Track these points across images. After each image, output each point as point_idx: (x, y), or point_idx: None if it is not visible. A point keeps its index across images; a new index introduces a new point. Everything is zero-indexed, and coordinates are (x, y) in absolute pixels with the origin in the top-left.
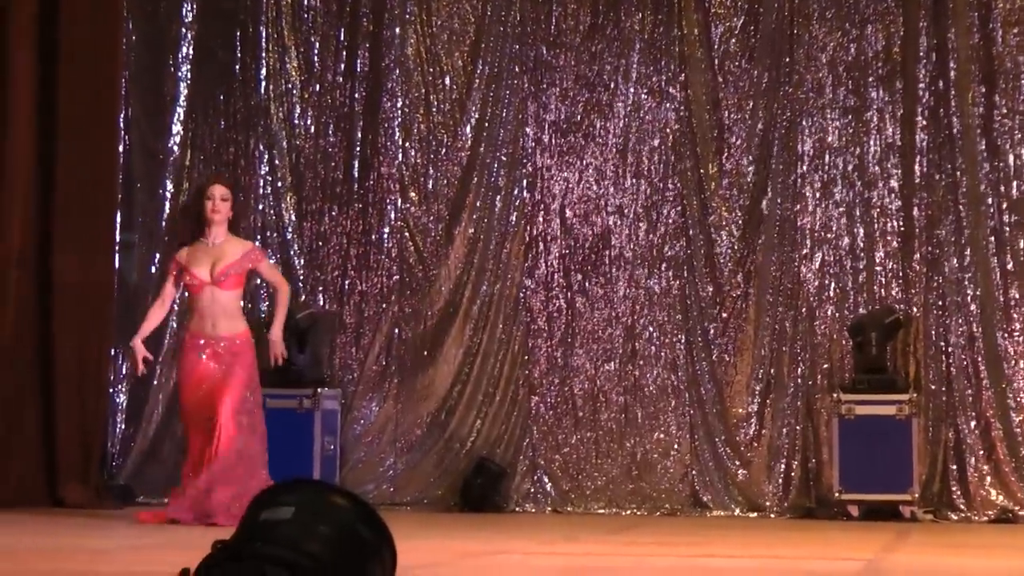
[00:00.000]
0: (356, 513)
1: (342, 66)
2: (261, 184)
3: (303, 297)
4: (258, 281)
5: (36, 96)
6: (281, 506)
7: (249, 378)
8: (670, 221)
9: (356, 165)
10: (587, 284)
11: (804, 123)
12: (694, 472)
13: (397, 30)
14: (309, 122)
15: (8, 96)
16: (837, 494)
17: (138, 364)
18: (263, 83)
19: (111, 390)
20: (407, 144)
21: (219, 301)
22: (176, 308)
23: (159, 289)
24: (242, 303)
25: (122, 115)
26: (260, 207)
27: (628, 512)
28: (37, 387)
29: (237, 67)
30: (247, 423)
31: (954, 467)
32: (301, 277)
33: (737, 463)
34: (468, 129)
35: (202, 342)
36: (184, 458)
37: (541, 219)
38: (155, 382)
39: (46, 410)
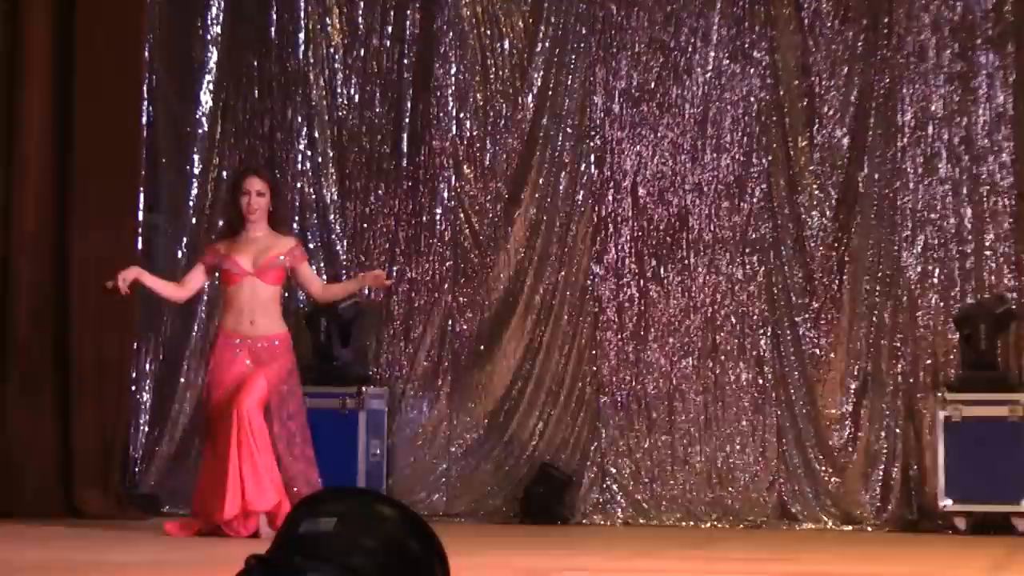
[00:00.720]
0: (405, 525)
1: (389, 28)
2: (299, 160)
3: None
4: None
5: (52, 63)
6: (322, 517)
7: (280, 378)
8: (755, 200)
9: (405, 139)
10: (662, 271)
11: (904, 91)
12: (781, 480)
13: None
14: (353, 91)
15: (21, 63)
16: (942, 505)
17: (116, 281)
18: (302, 47)
19: (133, 388)
20: (462, 115)
21: (260, 295)
22: (205, 299)
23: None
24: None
25: (146, 83)
26: (298, 185)
27: (707, 525)
28: (52, 385)
29: (273, 30)
30: (284, 435)
31: None
32: (344, 263)
33: (829, 470)
34: (530, 98)
35: (238, 341)
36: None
37: (611, 198)
38: (182, 379)
39: (62, 410)
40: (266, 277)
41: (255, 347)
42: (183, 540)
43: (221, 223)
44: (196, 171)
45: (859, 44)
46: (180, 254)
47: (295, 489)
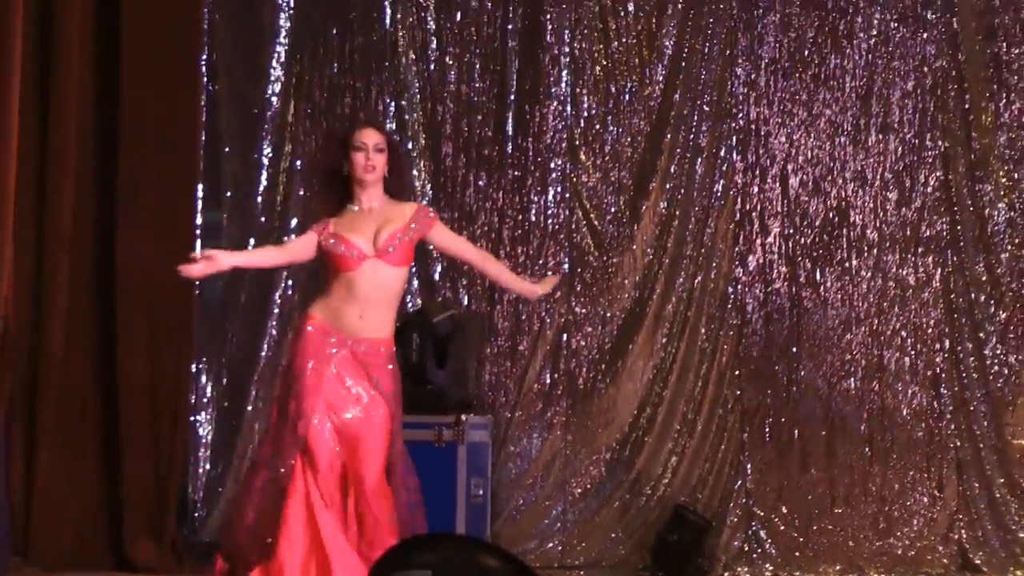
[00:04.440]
0: None
1: None
2: None
3: (441, 295)
4: None
5: (92, 30)
6: (416, 568)
7: (396, 416)
8: (929, 190)
9: (510, 119)
10: (818, 275)
11: None
12: (962, 524)
13: None
14: (449, 61)
15: (56, 31)
16: None
17: (193, 263)
18: (388, 11)
19: (192, 418)
20: (578, 90)
21: (383, 281)
22: (276, 311)
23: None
24: None
25: (205, 55)
26: None
27: None
28: (97, 414)
29: None
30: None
31: None
32: (439, 269)
33: (1021, 512)
34: (659, 70)
35: (333, 340)
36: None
37: (757, 189)
38: (248, 408)
39: (108, 444)
40: (391, 257)
41: (356, 350)
42: None
43: (315, 196)
44: (266, 159)
45: None
46: None
47: None
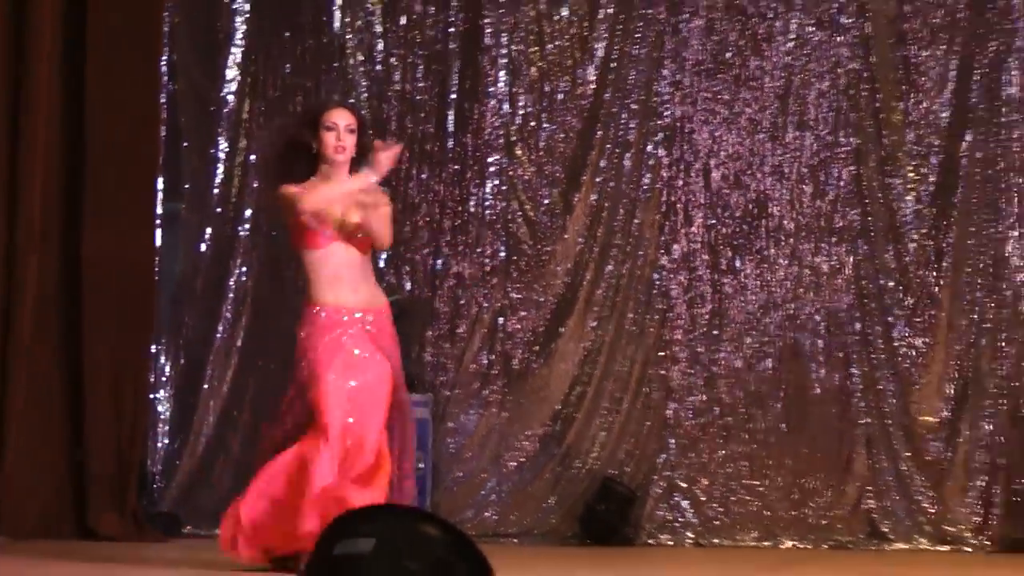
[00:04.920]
0: (452, 546)
1: None
2: None
3: (385, 282)
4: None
5: (60, 32)
6: (360, 537)
7: (398, 378)
8: (842, 184)
9: (451, 117)
10: (738, 263)
11: (1012, 61)
12: (870, 496)
13: None
14: (394, 62)
15: (26, 33)
16: None
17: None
18: (337, 15)
19: (152, 397)
20: (515, 90)
21: (356, 261)
22: (231, 296)
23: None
24: None
25: (164, 57)
26: None
27: (788, 545)
28: (62, 394)
29: None
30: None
31: None
32: (385, 255)
33: (925, 484)
34: (591, 71)
35: (345, 319)
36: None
37: (681, 183)
38: (205, 386)
39: (74, 422)
40: (359, 243)
41: (365, 326)
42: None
43: (275, 166)
44: (222, 153)
45: (960, 6)
46: (204, 247)
47: None
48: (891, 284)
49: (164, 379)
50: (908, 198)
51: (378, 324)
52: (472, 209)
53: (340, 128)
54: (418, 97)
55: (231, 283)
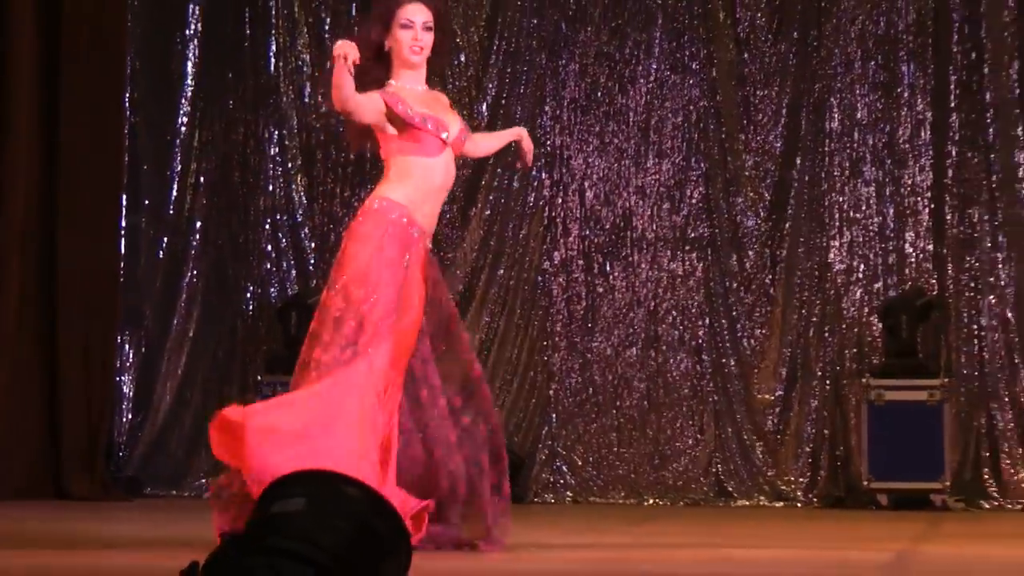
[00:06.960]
0: (371, 506)
1: None
2: (271, 165)
3: (315, 282)
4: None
5: (39, 74)
6: (292, 498)
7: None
8: (694, 201)
9: (368, 145)
10: (608, 267)
11: (832, 100)
12: (718, 460)
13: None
14: (320, 99)
15: (10, 72)
16: (866, 483)
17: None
18: (272, 60)
19: (117, 378)
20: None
21: (452, 174)
22: (184, 295)
23: None
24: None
25: (127, 94)
26: (270, 188)
27: (650, 502)
28: (41, 374)
29: (246, 44)
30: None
31: (987, 454)
32: (312, 261)
33: (763, 451)
34: (484, 107)
35: (416, 234)
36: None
37: (560, 200)
38: (162, 369)
39: (50, 398)
40: (460, 148)
41: (428, 250)
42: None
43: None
44: (176, 176)
45: (791, 56)
46: (160, 254)
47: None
48: (735, 285)
49: (128, 363)
50: (749, 214)
51: (433, 259)
52: None
53: (417, 26)
54: (340, 128)
55: (184, 283)
